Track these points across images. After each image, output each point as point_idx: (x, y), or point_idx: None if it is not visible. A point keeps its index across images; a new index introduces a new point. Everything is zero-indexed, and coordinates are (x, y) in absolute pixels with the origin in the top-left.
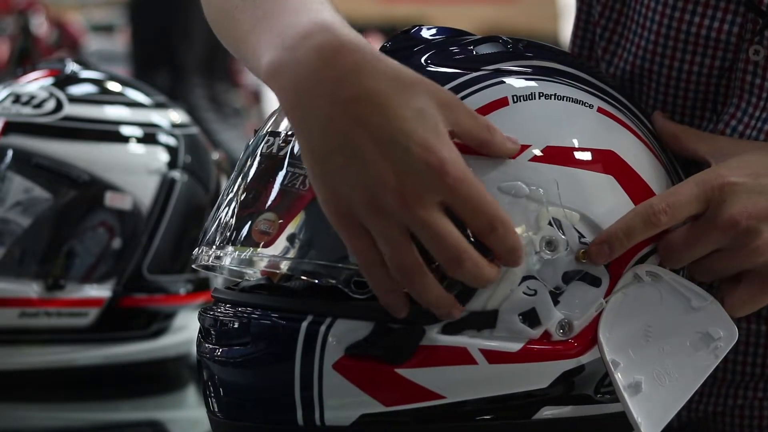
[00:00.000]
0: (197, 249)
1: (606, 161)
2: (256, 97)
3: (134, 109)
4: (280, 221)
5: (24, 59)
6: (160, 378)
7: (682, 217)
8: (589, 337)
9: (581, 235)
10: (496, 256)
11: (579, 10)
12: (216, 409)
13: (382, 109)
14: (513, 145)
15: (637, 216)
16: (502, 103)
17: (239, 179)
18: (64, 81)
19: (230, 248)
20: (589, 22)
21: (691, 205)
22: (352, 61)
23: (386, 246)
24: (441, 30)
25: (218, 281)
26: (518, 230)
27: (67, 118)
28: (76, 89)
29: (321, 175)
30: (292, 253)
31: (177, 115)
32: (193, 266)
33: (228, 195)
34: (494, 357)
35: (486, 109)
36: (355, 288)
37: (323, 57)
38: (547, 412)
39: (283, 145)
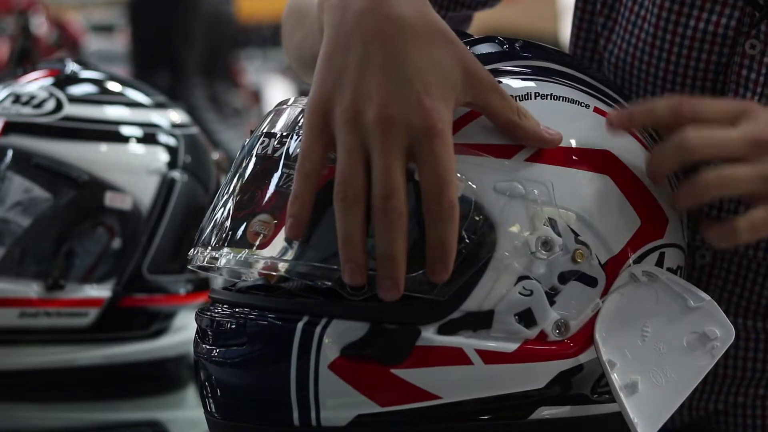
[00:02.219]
0: (193, 249)
1: (602, 161)
2: (256, 97)
3: (134, 109)
4: (275, 222)
5: (24, 59)
6: (160, 378)
7: (706, 117)
8: (586, 338)
9: (577, 235)
10: (428, 248)
11: (577, 2)
12: (213, 410)
13: (408, 40)
14: (551, 135)
15: (664, 101)
16: None
17: (234, 180)
18: (64, 81)
19: (226, 249)
20: (594, 13)
21: (717, 113)
22: None
23: (342, 159)
24: None
25: (218, 281)
26: (515, 231)
27: (67, 118)
28: (76, 89)
29: (324, 68)
30: (287, 255)
31: (177, 115)
32: (189, 267)
33: (223, 196)
34: (490, 357)
35: None
36: (350, 289)
37: None
38: (544, 413)
39: (278, 146)
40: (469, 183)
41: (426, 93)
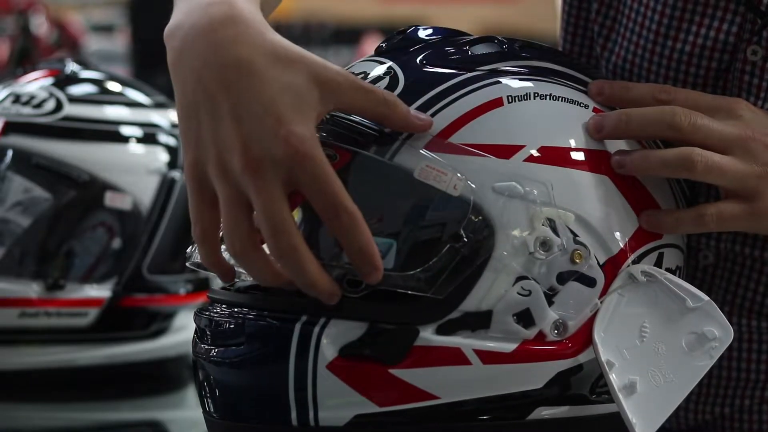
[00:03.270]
0: (191, 248)
1: (601, 162)
2: None
3: (134, 109)
4: None
5: (24, 59)
6: (160, 378)
7: (694, 105)
8: (584, 338)
9: (576, 236)
10: (348, 257)
11: (570, 8)
12: (211, 409)
13: (250, 78)
14: (421, 121)
15: (648, 86)
16: (497, 103)
17: None
18: (64, 81)
19: (223, 247)
20: (588, 19)
21: (704, 104)
22: (236, 32)
23: (223, 213)
24: (437, 30)
25: (218, 281)
26: (513, 231)
27: (67, 118)
28: (76, 89)
29: (185, 132)
30: None
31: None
32: (187, 264)
33: None
34: (488, 357)
35: (481, 110)
36: (348, 286)
37: (212, 23)
38: (543, 413)
39: None
40: (468, 182)
41: (279, 123)
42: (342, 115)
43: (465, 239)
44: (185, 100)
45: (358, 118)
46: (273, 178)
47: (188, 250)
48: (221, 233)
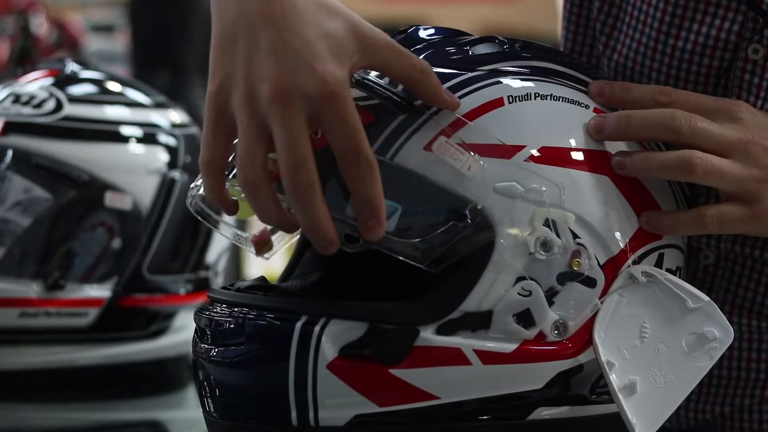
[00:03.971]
0: (193, 187)
1: (602, 162)
2: None
3: (134, 109)
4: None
5: (24, 59)
6: (160, 378)
7: (697, 133)
8: (584, 338)
9: (576, 236)
10: (355, 207)
11: (571, 6)
12: (212, 409)
13: (293, 16)
14: (450, 97)
15: (648, 87)
16: (497, 103)
17: None
18: (64, 81)
19: (227, 183)
20: (590, 18)
21: (705, 106)
22: None
23: (240, 142)
24: (438, 30)
25: (218, 281)
26: (514, 231)
27: (67, 118)
28: (76, 89)
29: (217, 59)
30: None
31: (177, 115)
32: (188, 205)
33: None
34: (489, 358)
35: (482, 110)
36: (345, 241)
37: None
38: (543, 413)
39: None
40: (481, 162)
41: (317, 60)
42: (372, 79)
43: (468, 221)
44: (223, 27)
45: (387, 86)
46: (300, 112)
47: (189, 193)
48: (229, 167)
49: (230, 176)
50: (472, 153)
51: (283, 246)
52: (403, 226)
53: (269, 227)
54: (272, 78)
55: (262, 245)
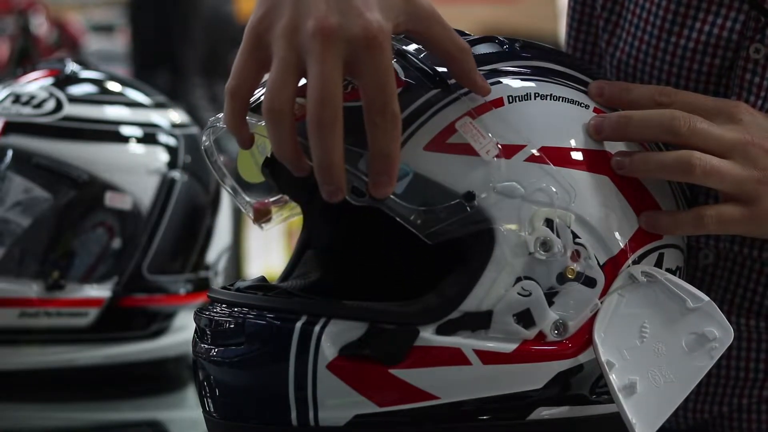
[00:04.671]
0: (211, 123)
1: (601, 162)
2: None
3: (134, 109)
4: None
5: (24, 59)
6: (160, 378)
7: (697, 134)
8: (584, 338)
9: (576, 236)
10: (371, 159)
11: (575, 4)
12: (211, 409)
13: None
14: (483, 82)
15: (648, 87)
16: (497, 103)
17: None
18: (64, 81)
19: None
20: (593, 15)
21: (705, 107)
22: None
23: (273, 70)
24: None
25: (218, 281)
26: (513, 230)
27: (67, 118)
28: (76, 89)
29: None
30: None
31: (177, 115)
32: (204, 139)
33: None
34: (488, 358)
35: (482, 109)
36: (351, 193)
37: None
38: (543, 413)
39: None
40: (499, 148)
41: (366, 7)
42: (410, 51)
43: (476, 203)
44: None
45: (423, 59)
46: (339, 51)
47: (205, 128)
48: (253, 102)
49: (251, 109)
50: (493, 138)
51: (281, 221)
52: (411, 192)
53: (272, 198)
54: (319, 15)
55: (262, 214)
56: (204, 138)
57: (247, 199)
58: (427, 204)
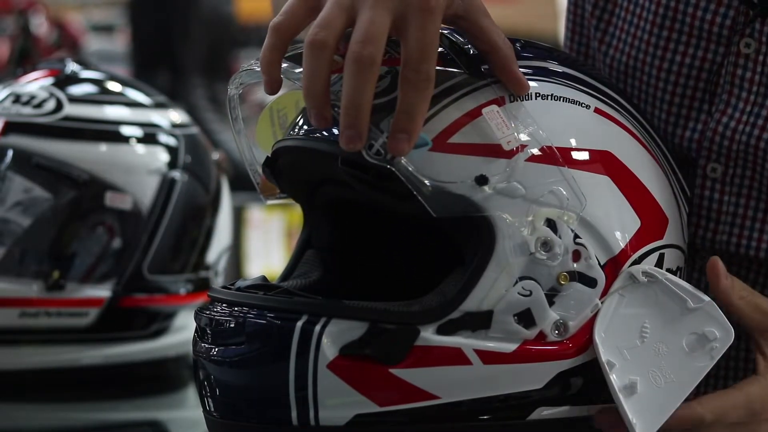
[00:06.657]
0: (245, 68)
1: (603, 162)
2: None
3: (134, 109)
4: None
5: (24, 59)
6: (160, 378)
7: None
8: (585, 338)
9: (577, 236)
10: (397, 115)
11: (571, 6)
12: (212, 409)
13: None
14: (522, 79)
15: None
16: (498, 102)
17: None
18: (64, 81)
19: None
20: (584, 17)
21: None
22: None
23: (325, 7)
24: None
25: (218, 281)
26: (514, 230)
27: (67, 118)
28: (76, 89)
29: None
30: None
31: (177, 115)
32: (237, 78)
33: None
34: (489, 357)
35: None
36: (367, 149)
37: None
38: (543, 413)
39: None
40: (522, 140)
41: None
42: (452, 36)
43: (487, 188)
44: None
45: (464, 44)
46: (390, 7)
47: (241, 67)
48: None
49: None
50: (518, 135)
51: (284, 200)
52: (426, 162)
53: None
54: None
55: (268, 188)
56: (230, 87)
57: (258, 166)
58: (439, 178)
